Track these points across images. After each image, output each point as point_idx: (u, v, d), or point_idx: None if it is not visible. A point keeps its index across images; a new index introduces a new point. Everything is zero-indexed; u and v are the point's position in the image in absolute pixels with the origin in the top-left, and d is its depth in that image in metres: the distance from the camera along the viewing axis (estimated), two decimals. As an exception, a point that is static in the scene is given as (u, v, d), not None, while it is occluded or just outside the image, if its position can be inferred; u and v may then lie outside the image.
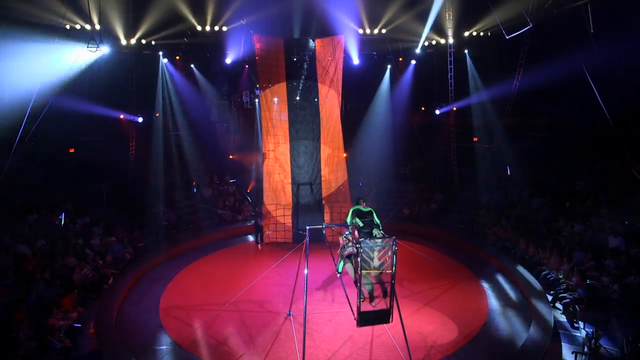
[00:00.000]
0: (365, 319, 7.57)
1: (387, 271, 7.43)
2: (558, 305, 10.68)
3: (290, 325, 9.91)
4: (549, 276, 11.73)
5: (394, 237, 7.40)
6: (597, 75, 12.41)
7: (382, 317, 7.61)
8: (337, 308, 10.56)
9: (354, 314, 7.74)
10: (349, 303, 8.37)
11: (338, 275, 9.37)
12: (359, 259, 7.32)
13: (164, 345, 9.26)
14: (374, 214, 8.94)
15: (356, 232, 8.93)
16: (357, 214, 8.85)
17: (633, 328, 8.65)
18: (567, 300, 10.39)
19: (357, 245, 7.43)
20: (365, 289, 7.69)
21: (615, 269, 10.88)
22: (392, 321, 7.59)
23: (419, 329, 9.67)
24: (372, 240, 7.51)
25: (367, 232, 8.54)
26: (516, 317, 10.35)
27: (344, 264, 9.24)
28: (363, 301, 7.66)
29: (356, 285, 7.97)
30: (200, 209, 17.64)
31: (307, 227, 8.56)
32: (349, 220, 9.05)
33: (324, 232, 9.83)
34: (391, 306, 7.50)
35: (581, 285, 10.46)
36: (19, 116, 11.85)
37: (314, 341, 9.21)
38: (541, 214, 14.89)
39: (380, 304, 7.99)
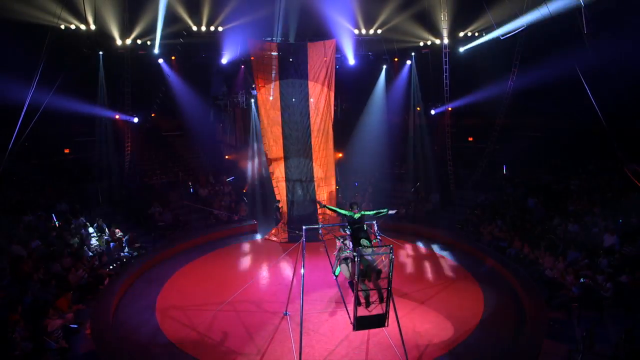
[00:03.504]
0: (361, 323, 7.62)
1: (384, 277, 7.57)
2: (552, 303, 10.74)
3: (286, 325, 9.94)
4: (543, 275, 11.81)
5: (390, 246, 7.39)
6: (590, 75, 12.49)
7: (378, 321, 7.66)
8: (334, 308, 10.60)
9: (350, 318, 7.78)
10: (346, 308, 8.51)
11: (335, 277, 9.39)
12: (355, 265, 7.35)
13: (161, 345, 9.26)
14: (365, 217, 8.50)
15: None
16: (349, 220, 8.47)
17: (627, 326, 8.73)
18: (562, 298, 10.47)
19: (354, 254, 7.48)
20: (362, 295, 7.61)
21: (608, 267, 10.98)
22: (387, 325, 7.66)
23: (415, 328, 9.72)
24: (370, 249, 7.55)
25: (356, 239, 8.17)
26: (511, 316, 10.41)
27: (340, 268, 9.21)
28: (359, 306, 7.56)
29: (351, 287, 7.99)
30: (196, 209, 17.61)
31: (304, 227, 8.58)
32: (342, 211, 8.86)
33: (320, 231, 9.87)
34: (387, 311, 7.55)
35: (575, 284, 10.55)
36: (14, 116, 11.78)
37: (311, 341, 9.23)
38: (536, 213, 14.99)
39: (376, 309, 7.77)
